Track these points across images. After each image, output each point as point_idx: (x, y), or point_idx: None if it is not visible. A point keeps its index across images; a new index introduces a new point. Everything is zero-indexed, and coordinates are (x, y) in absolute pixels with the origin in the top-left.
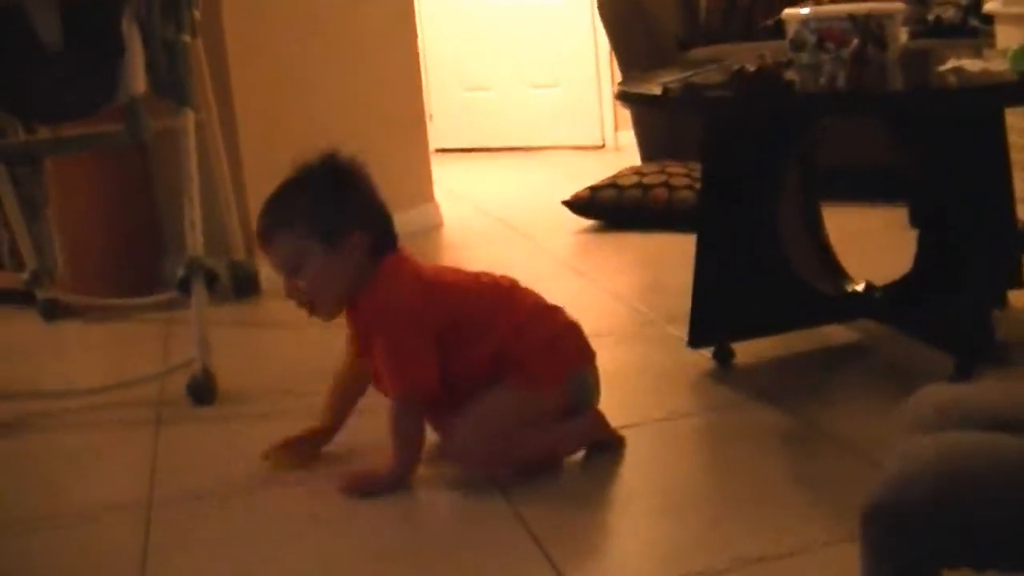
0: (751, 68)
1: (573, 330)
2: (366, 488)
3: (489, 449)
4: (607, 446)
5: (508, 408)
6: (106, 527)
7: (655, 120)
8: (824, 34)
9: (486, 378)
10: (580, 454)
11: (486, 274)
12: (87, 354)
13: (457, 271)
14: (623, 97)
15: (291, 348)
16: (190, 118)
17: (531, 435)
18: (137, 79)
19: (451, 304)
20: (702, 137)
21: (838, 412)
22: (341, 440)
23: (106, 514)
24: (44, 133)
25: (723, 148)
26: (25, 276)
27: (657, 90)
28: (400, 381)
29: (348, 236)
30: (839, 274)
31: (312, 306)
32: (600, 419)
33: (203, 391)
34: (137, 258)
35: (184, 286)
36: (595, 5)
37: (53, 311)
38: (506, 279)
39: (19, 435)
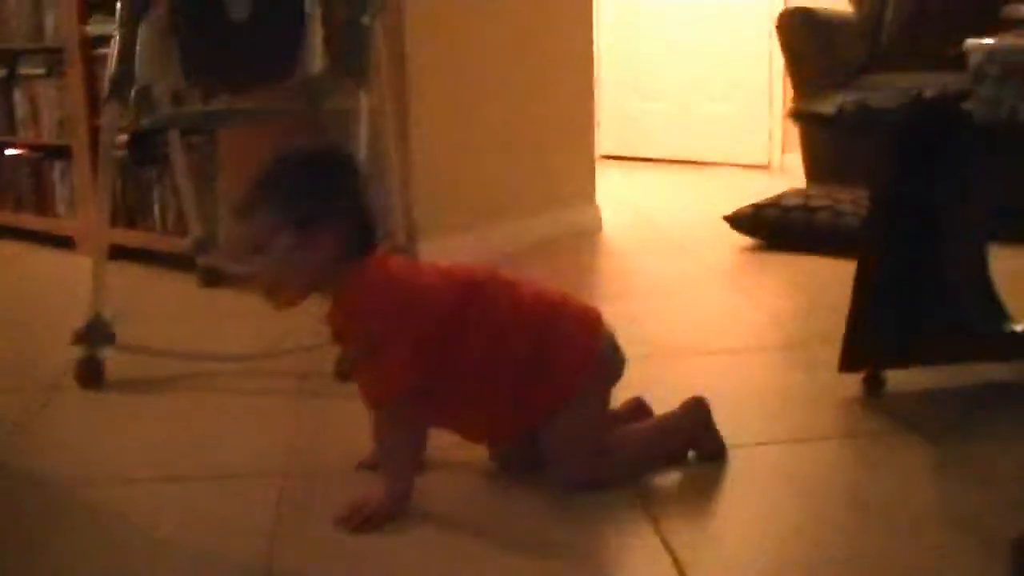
0: (929, 94)
1: (569, 303)
2: (358, 522)
3: (594, 465)
4: (712, 452)
5: (584, 416)
6: (242, 488)
7: (824, 143)
8: (1008, 67)
9: (504, 378)
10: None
11: (459, 267)
12: (240, 322)
13: (434, 269)
14: (796, 115)
15: None
16: (364, 101)
17: (625, 435)
18: (316, 57)
19: (431, 306)
20: (872, 162)
21: (987, 448)
22: None
23: (244, 476)
24: (220, 104)
25: (893, 175)
26: (188, 242)
27: (830, 110)
28: (374, 389)
29: (323, 228)
30: (1001, 312)
31: (269, 291)
32: (697, 411)
33: (349, 368)
34: None
35: None
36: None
37: (212, 278)
38: (482, 271)
39: (172, 392)
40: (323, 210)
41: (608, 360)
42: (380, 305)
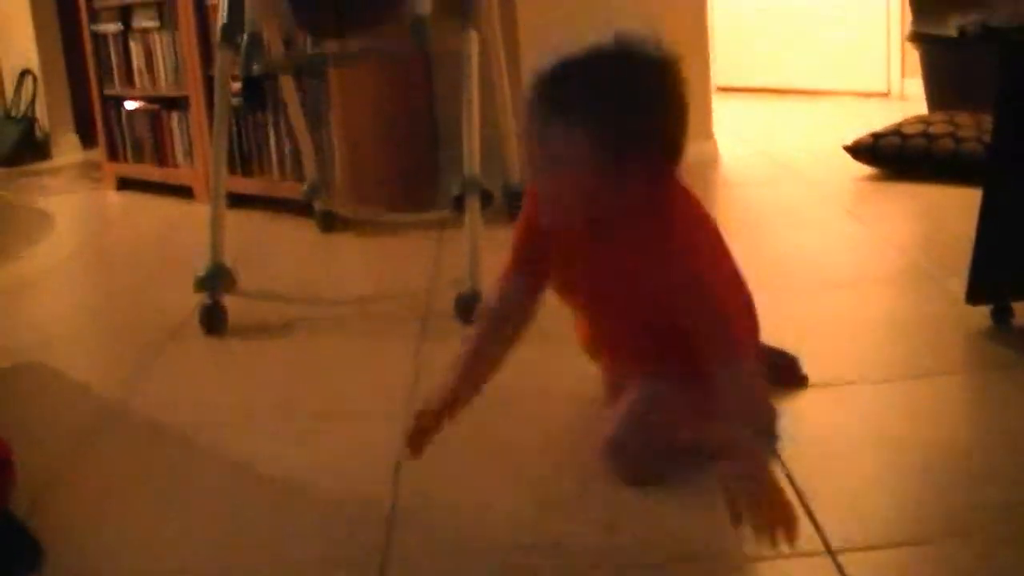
0: None
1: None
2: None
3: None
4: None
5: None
6: (365, 429)
7: (946, 66)
8: None
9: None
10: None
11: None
12: (359, 265)
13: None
14: (915, 38)
15: None
16: (474, 39)
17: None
18: None
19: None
20: (997, 85)
21: None
22: None
23: (367, 417)
24: (330, 46)
25: (1020, 98)
26: (305, 187)
27: (952, 31)
28: (735, 328)
29: (634, 152)
30: None
31: (547, 206)
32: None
33: (470, 308)
34: (414, 176)
35: (459, 204)
36: None
37: (329, 222)
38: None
39: (292, 336)
40: (638, 131)
41: None
42: (707, 235)
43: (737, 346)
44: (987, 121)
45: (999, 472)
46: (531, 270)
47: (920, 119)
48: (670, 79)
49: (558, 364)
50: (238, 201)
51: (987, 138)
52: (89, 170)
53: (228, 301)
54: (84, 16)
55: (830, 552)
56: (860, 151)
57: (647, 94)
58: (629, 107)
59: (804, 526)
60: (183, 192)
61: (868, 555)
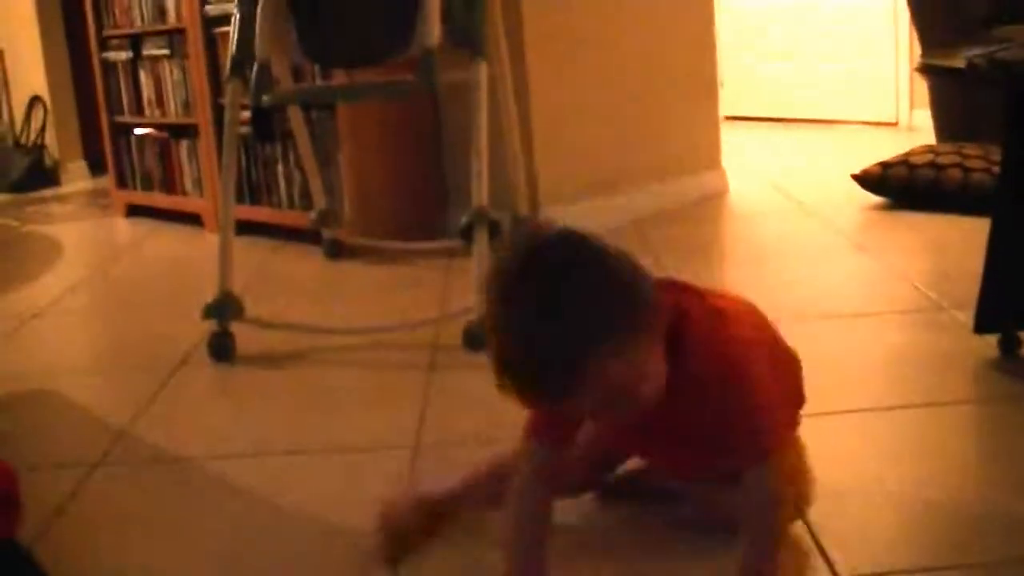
0: None
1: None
2: None
3: None
4: None
5: None
6: (372, 460)
7: (954, 98)
8: None
9: None
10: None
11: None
12: (366, 294)
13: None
14: (924, 70)
15: None
16: (483, 70)
17: None
18: (433, 30)
19: (766, 325)
20: (1005, 117)
21: None
22: None
23: (373, 449)
24: (339, 79)
25: None
26: (313, 215)
27: (961, 63)
28: (777, 430)
29: (651, 312)
30: None
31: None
32: None
33: (479, 338)
34: (421, 206)
35: (467, 234)
36: None
37: (337, 251)
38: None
39: (300, 365)
40: (644, 297)
41: None
42: (742, 328)
43: (771, 441)
44: (996, 152)
45: (1006, 501)
46: (558, 437)
47: (928, 149)
48: (589, 245)
49: None
50: (246, 229)
51: (996, 169)
52: (98, 197)
53: (236, 329)
54: (94, 44)
55: None
56: (868, 180)
57: (602, 271)
58: (610, 294)
59: (813, 556)
60: (192, 220)
61: None
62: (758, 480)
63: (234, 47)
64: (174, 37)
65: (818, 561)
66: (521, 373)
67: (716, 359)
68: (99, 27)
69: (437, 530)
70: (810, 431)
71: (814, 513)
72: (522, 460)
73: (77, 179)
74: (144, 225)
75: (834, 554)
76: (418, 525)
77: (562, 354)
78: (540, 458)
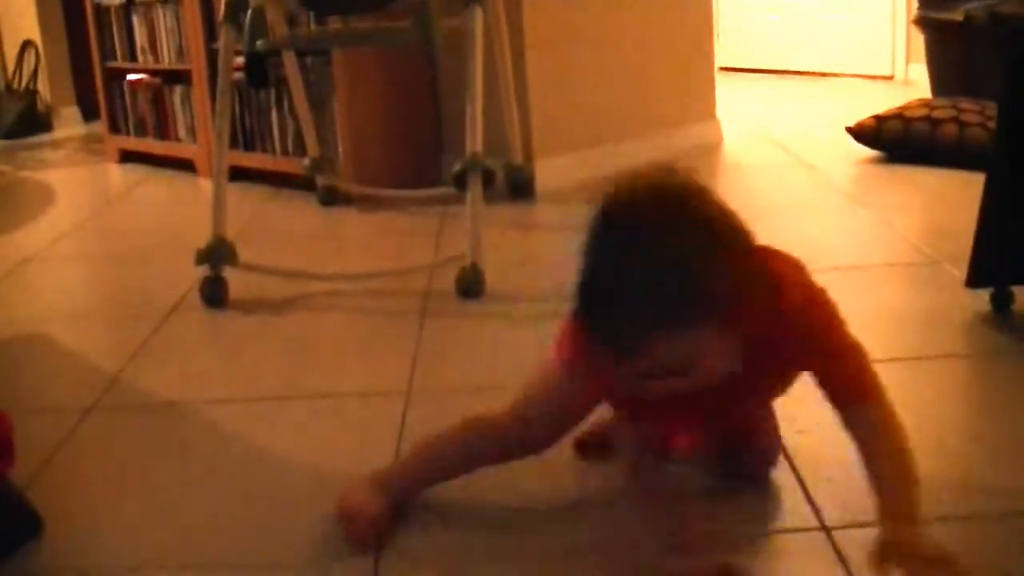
0: None
1: None
2: None
3: None
4: None
5: None
6: (364, 407)
7: (950, 52)
8: None
9: None
10: None
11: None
12: (360, 241)
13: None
14: (921, 23)
15: (562, 253)
16: (478, 15)
17: None
18: None
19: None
20: (1002, 72)
21: None
22: None
23: (366, 394)
24: (334, 25)
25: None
26: (307, 163)
27: (958, 17)
28: (858, 378)
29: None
30: None
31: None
32: None
33: (471, 286)
34: (416, 153)
35: (460, 181)
36: None
37: (331, 198)
38: None
39: (293, 312)
40: (733, 286)
41: None
42: (819, 290)
43: (874, 377)
44: (991, 107)
45: (994, 454)
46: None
47: (923, 103)
48: (707, 207)
49: None
50: (240, 176)
51: (991, 124)
52: (91, 143)
53: (229, 275)
54: None
55: (825, 529)
56: (863, 134)
57: (706, 257)
58: (707, 265)
59: (800, 503)
60: (185, 166)
61: (862, 532)
62: (873, 418)
63: None
64: None
65: (806, 507)
66: (600, 317)
67: (808, 310)
68: None
69: (399, 513)
70: (802, 381)
71: (802, 464)
72: (625, 438)
73: (70, 125)
74: (137, 171)
75: (823, 502)
76: (380, 510)
77: (644, 315)
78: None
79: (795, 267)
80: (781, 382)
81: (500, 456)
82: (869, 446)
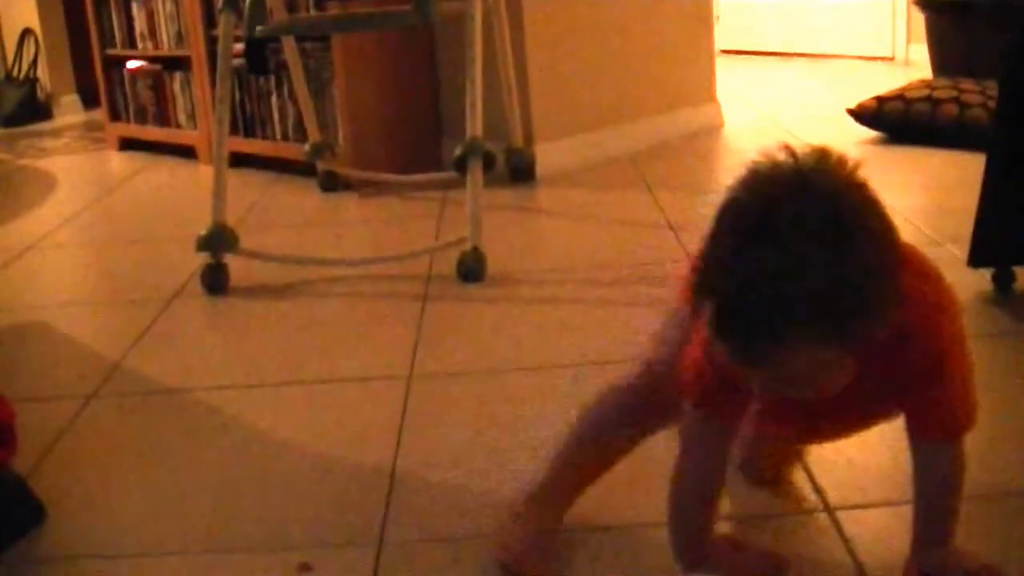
0: None
1: None
2: None
3: None
4: None
5: None
6: (366, 391)
7: (951, 33)
8: None
9: None
10: None
11: None
12: (361, 226)
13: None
14: (921, 3)
15: (563, 237)
16: (478, 2)
17: None
18: None
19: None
20: (1003, 53)
21: None
22: None
23: (368, 379)
24: (334, 10)
25: None
26: (307, 148)
27: None
28: (957, 414)
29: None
30: None
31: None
32: None
33: (472, 270)
34: (416, 138)
35: (460, 165)
36: None
37: (331, 183)
38: None
39: (294, 297)
40: (862, 302)
41: None
42: (950, 305)
43: (969, 419)
44: (992, 87)
45: (996, 434)
46: (730, 412)
47: (924, 83)
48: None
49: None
50: (240, 162)
51: (992, 104)
52: (91, 131)
53: (230, 261)
54: None
55: (828, 510)
56: (864, 115)
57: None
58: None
59: (803, 485)
60: (185, 153)
61: (865, 513)
62: (950, 457)
63: None
64: None
65: (809, 488)
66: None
67: (929, 339)
68: None
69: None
70: None
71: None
72: (691, 437)
73: (70, 112)
74: (138, 158)
75: (826, 484)
76: (543, 556)
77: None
78: (712, 432)
79: (924, 276)
80: (881, 405)
81: (630, 420)
82: (937, 487)
